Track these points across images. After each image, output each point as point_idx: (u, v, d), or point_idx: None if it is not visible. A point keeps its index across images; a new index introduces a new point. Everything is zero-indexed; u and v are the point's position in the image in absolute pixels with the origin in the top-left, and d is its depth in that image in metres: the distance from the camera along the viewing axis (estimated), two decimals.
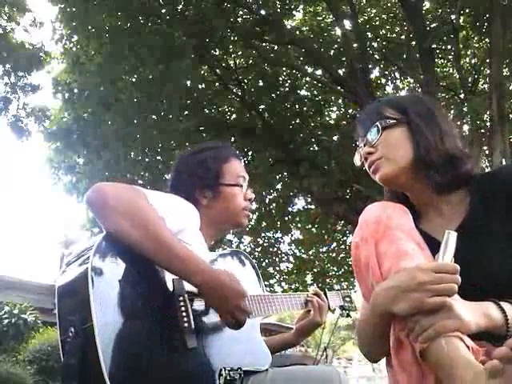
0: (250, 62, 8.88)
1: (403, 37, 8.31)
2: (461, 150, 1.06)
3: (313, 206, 9.68)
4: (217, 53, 8.19)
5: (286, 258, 10.21)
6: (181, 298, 1.16)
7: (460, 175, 1.03)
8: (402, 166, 1.04)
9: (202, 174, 1.44)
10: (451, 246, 0.84)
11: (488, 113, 6.06)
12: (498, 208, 0.96)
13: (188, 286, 1.17)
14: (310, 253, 10.43)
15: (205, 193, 1.45)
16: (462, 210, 1.02)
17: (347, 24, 7.45)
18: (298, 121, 8.67)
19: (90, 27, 7.32)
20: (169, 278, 1.16)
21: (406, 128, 1.06)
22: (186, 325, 1.14)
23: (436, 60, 7.75)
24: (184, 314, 1.15)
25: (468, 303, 0.82)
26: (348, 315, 1.83)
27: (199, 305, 1.22)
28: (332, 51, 8.47)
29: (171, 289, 1.16)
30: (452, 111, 7.59)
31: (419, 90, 7.15)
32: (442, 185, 1.02)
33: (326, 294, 1.73)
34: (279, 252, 10.08)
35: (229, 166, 1.48)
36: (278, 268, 10.14)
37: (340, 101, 9.21)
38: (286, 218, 9.73)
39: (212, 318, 1.23)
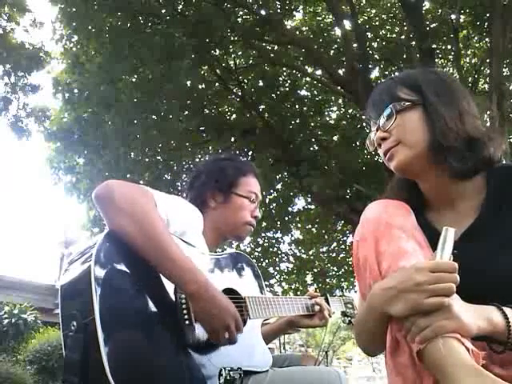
0: (250, 62, 8.87)
1: (403, 37, 8.30)
2: (482, 131, 0.98)
3: (313, 206, 9.67)
4: (217, 53, 8.19)
5: (286, 258, 10.21)
6: (182, 296, 1.16)
7: (481, 160, 0.95)
8: (417, 152, 0.96)
9: (219, 178, 1.51)
10: (449, 243, 0.80)
11: (488, 113, 6.05)
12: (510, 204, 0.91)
13: None
14: (310, 253, 10.42)
15: (216, 196, 1.51)
16: (476, 205, 0.96)
17: (347, 24, 7.45)
18: (298, 121, 8.66)
19: (90, 27, 7.32)
20: None
21: (421, 110, 0.98)
22: (187, 323, 1.14)
23: (436, 60, 7.74)
24: (185, 312, 1.15)
25: (469, 305, 0.79)
26: (350, 322, 1.81)
27: None
28: (332, 51, 8.47)
29: (173, 287, 1.17)
30: None
31: None
32: (460, 171, 0.95)
33: (327, 300, 1.73)
34: (279, 252, 10.07)
35: (245, 180, 1.55)
36: (278, 268, 10.13)
37: (340, 101, 9.21)
38: (286, 218, 9.73)
39: None
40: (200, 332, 1.19)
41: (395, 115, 0.98)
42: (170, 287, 1.17)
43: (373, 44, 8.54)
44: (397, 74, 1.11)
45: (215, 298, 1.13)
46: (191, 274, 1.11)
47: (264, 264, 9.62)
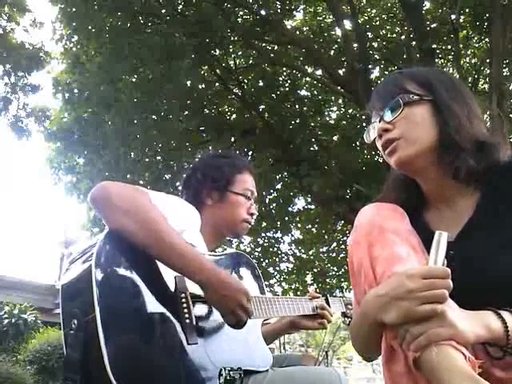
0: (250, 62, 8.87)
1: (403, 37, 8.30)
2: (487, 135, 0.96)
3: (313, 206, 9.67)
4: (217, 53, 8.19)
5: (286, 258, 10.20)
6: (183, 295, 1.17)
7: (490, 164, 0.92)
8: (423, 148, 0.93)
9: (215, 177, 1.51)
10: (442, 247, 0.78)
11: (488, 113, 6.05)
12: (510, 204, 0.88)
13: (191, 286, 1.18)
14: (310, 253, 10.42)
15: (212, 194, 1.51)
16: (473, 203, 0.93)
17: (347, 24, 7.46)
18: (298, 121, 8.66)
19: (90, 27, 7.31)
20: (171, 276, 1.17)
21: (430, 106, 0.95)
22: (187, 321, 1.15)
23: (436, 60, 7.74)
24: (186, 310, 1.16)
25: (465, 312, 0.77)
26: (350, 323, 1.80)
27: (201, 303, 1.22)
28: (332, 51, 8.47)
29: (173, 286, 1.17)
30: None
31: None
32: (469, 173, 0.91)
33: (328, 300, 1.73)
34: (279, 252, 10.06)
35: (241, 177, 1.56)
36: (278, 268, 10.13)
37: (340, 101, 9.20)
38: (286, 218, 9.72)
39: (214, 316, 1.24)
40: (201, 331, 1.19)
41: (402, 107, 0.95)
42: (170, 286, 1.17)
43: (373, 44, 8.54)
44: (405, 69, 1.07)
45: (225, 281, 1.15)
46: (198, 263, 1.12)
47: (264, 264, 9.62)
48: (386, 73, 8.52)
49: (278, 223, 9.70)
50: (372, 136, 1.02)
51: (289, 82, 8.85)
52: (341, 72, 7.90)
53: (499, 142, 0.95)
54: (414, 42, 7.44)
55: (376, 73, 8.60)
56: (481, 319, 0.77)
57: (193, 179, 1.55)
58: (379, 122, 0.99)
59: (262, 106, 8.66)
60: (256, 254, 9.73)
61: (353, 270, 0.94)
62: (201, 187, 1.52)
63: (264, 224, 9.44)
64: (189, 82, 7.63)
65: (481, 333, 0.75)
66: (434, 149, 0.94)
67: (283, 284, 10.26)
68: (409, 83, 0.98)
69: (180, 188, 1.62)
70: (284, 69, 8.66)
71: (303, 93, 9.09)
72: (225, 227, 1.54)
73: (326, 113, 9.40)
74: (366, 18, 8.60)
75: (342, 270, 10.10)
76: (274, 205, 9.51)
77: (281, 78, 8.84)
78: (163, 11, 7.59)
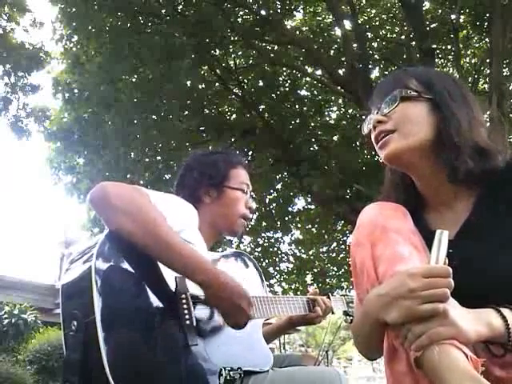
0: (250, 62, 8.88)
1: (403, 37, 8.30)
2: (487, 140, 0.95)
3: (313, 206, 9.67)
4: (217, 53, 8.19)
5: (286, 258, 10.21)
6: (183, 296, 1.17)
7: (488, 169, 0.91)
8: (417, 143, 0.93)
9: (211, 174, 1.50)
10: (444, 246, 0.78)
11: (488, 113, 6.05)
12: (509, 204, 0.88)
13: (191, 287, 1.18)
14: (310, 253, 10.42)
15: (209, 192, 1.50)
16: (471, 204, 0.93)
17: (347, 24, 7.45)
18: (298, 121, 8.66)
19: (90, 27, 7.32)
20: (171, 276, 1.17)
21: (429, 104, 0.94)
22: (187, 322, 1.14)
23: (436, 60, 7.73)
24: (186, 311, 1.15)
25: (467, 310, 0.77)
26: (352, 321, 1.80)
27: (202, 304, 1.22)
28: (332, 51, 8.47)
29: (174, 287, 1.17)
30: None
31: None
32: (471, 173, 0.90)
33: (329, 299, 1.73)
34: (279, 252, 10.07)
35: (236, 172, 1.55)
36: (278, 268, 10.14)
37: (340, 101, 9.21)
38: (286, 218, 9.73)
39: (214, 317, 1.24)
40: (201, 332, 1.19)
41: (398, 101, 0.95)
42: (171, 286, 1.17)
43: (373, 44, 8.54)
44: (409, 68, 1.07)
45: (225, 282, 1.14)
46: (198, 264, 1.12)
47: (264, 264, 9.62)
48: (386, 73, 8.51)
49: (278, 223, 9.70)
50: (368, 128, 1.02)
51: (289, 82, 8.85)
52: (341, 72, 7.90)
53: (500, 150, 0.95)
54: (413, 42, 7.44)
55: (376, 73, 8.60)
56: (482, 317, 0.77)
57: (188, 178, 1.53)
58: (376, 114, 1.00)
59: (262, 106, 8.66)
60: (256, 254, 9.73)
61: (355, 269, 0.93)
62: (198, 186, 1.50)
63: (264, 224, 9.45)
64: (189, 82, 7.63)
65: (482, 331, 0.75)
66: (428, 146, 0.93)
67: (283, 284, 10.27)
68: (409, 80, 0.98)
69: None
70: (284, 69, 8.66)
71: (303, 93, 9.09)
72: (223, 224, 1.52)
73: (326, 113, 9.40)
74: (366, 18, 8.60)
75: (342, 269, 10.11)
76: (274, 205, 9.52)
77: (281, 78, 8.84)
78: (163, 11, 7.59)
